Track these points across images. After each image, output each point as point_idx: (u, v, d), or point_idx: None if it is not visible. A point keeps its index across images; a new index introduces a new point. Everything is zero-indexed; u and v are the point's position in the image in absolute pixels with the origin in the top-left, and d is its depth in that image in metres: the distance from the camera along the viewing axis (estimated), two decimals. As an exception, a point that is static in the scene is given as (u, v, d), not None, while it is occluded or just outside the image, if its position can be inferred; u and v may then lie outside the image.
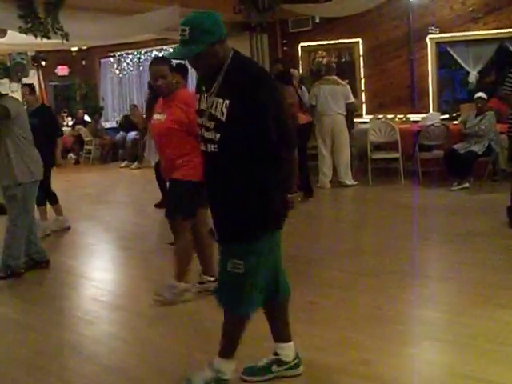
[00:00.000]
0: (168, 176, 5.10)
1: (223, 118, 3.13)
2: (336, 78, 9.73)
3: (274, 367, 3.61)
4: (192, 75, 8.01)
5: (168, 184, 5.23)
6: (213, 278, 4.92)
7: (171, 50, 3.38)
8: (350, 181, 9.70)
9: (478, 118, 8.98)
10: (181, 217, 4.92)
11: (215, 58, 3.13)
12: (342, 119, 9.65)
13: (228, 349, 3.45)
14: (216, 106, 3.16)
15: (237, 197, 3.21)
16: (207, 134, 3.24)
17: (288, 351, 3.62)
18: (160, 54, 15.60)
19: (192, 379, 3.49)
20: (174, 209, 4.98)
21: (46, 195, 7.41)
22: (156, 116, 5.03)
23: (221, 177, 3.26)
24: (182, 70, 5.85)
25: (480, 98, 9.09)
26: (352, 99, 9.80)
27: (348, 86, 9.79)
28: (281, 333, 3.65)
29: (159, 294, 4.94)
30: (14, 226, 5.76)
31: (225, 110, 3.12)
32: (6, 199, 5.83)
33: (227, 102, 3.12)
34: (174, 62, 5.03)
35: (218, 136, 3.17)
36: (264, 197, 3.22)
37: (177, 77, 5.34)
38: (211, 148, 3.22)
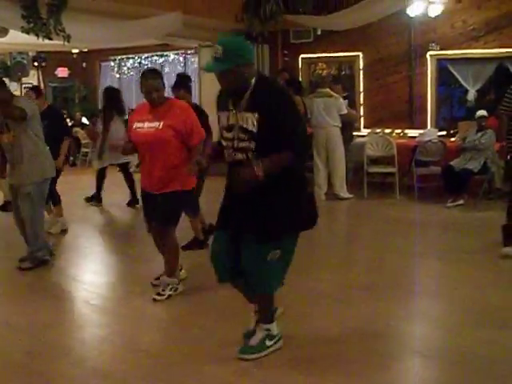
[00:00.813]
0: (157, 186, 5.01)
1: (254, 130, 3.68)
2: (329, 90, 9.73)
3: (267, 341, 4.04)
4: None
5: (160, 195, 5.01)
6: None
7: (206, 63, 3.94)
8: (345, 194, 9.71)
9: (479, 134, 8.99)
10: (174, 225, 5.16)
11: (240, 77, 3.67)
12: (336, 131, 9.64)
13: (269, 315, 4.08)
14: (247, 120, 3.69)
15: (272, 196, 3.74)
16: (242, 144, 3.75)
17: (275, 327, 4.11)
18: (160, 60, 15.69)
19: (249, 341, 4.04)
20: (169, 219, 5.11)
21: (50, 195, 7.40)
22: (145, 124, 4.95)
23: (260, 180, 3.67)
24: (187, 85, 6.47)
25: (482, 116, 9.10)
26: (344, 111, 9.70)
27: (340, 99, 9.75)
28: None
29: (161, 294, 5.13)
30: (32, 221, 6.04)
31: (255, 123, 3.66)
32: (21, 196, 6.01)
33: (256, 115, 3.66)
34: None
35: (254, 144, 3.70)
36: (295, 196, 3.84)
37: (186, 96, 6.05)
38: (251, 155, 3.72)
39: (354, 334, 4.40)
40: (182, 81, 6.84)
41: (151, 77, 4.94)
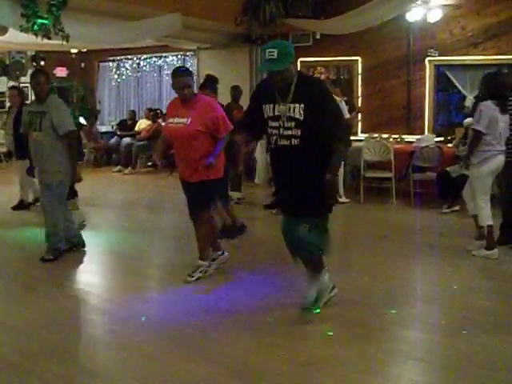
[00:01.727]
0: (189, 176, 5.48)
1: (301, 118, 4.33)
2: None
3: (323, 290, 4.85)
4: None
5: (191, 184, 5.51)
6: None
7: (260, 65, 4.42)
8: (342, 198, 9.70)
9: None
10: (205, 211, 5.63)
11: (290, 74, 4.34)
12: None
13: (320, 270, 4.85)
14: (294, 110, 4.35)
15: (314, 178, 4.36)
16: (287, 132, 4.39)
17: (326, 277, 4.92)
18: (159, 61, 15.68)
19: (307, 295, 4.79)
20: (201, 205, 5.58)
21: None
22: (175, 119, 5.40)
23: (301, 163, 4.40)
24: (212, 86, 7.03)
25: (471, 124, 9.08)
26: (347, 115, 9.70)
27: (343, 102, 9.72)
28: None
29: (192, 275, 5.57)
30: (53, 214, 6.37)
31: (302, 112, 4.32)
32: (45, 189, 6.36)
33: (302, 105, 4.33)
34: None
35: (299, 132, 4.35)
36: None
37: (211, 96, 6.28)
38: (294, 142, 4.39)
39: (347, 338, 4.40)
40: (208, 82, 7.39)
41: (183, 74, 5.37)
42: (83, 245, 6.89)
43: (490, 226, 6.51)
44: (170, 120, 5.49)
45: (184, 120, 5.33)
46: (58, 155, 6.25)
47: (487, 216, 6.52)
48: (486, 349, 4.19)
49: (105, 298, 5.43)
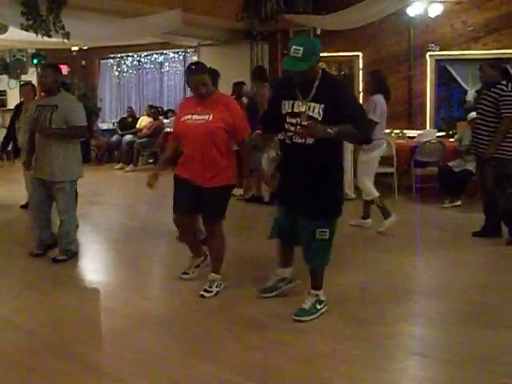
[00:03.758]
0: (204, 179, 5.08)
1: (319, 118, 4.25)
2: None
3: (318, 305, 4.69)
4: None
5: (207, 190, 5.08)
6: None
7: (286, 63, 4.39)
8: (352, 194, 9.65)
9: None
10: (222, 220, 5.28)
11: (313, 72, 4.33)
12: None
13: (320, 284, 4.76)
14: (314, 109, 4.28)
15: (326, 178, 4.43)
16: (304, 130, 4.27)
17: (322, 293, 4.77)
18: (160, 58, 15.68)
19: (303, 307, 4.65)
20: (220, 213, 5.24)
21: None
22: (194, 116, 5.08)
23: (314, 162, 4.38)
24: (213, 76, 6.40)
25: (475, 119, 9.09)
26: None
27: None
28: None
29: (209, 291, 5.19)
30: (69, 216, 6.25)
31: (321, 112, 4.26)
32: (57, 192, 6.13)
33: (322, 106, 4.27)
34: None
35: None
36: (341, 180, 4.76)
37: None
38: (309, 141, 4.31)
39: (350, 333, 4.40)
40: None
41: (198, 72, 5.09)
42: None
43: (379, 198, 7.56)
44: (187, 117, 5.13)
45: (205, 117, 5.03)
46: (70, 152, 6.12)
47: (372, 189, 7.64)
48: (490, 343, 4.19)
49: (108, 295, 5.43)
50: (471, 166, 8.82)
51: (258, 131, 4.74)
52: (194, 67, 5.20)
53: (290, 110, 4.42)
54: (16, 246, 6.79)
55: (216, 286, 5.22)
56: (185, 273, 5.61)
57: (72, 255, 6.35)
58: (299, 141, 4.38)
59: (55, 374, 3.83)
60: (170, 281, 5.63)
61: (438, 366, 3.94)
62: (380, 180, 10.06)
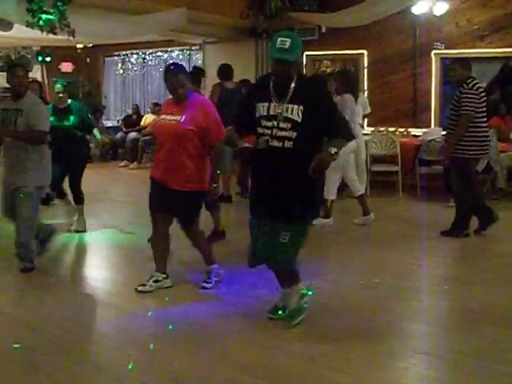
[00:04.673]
0: (175, 182, 5.02)
1: (299, 120, 4.07)
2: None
3: (302, 302, 4.55)
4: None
5: (177, 192, 5.04)
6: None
7: (275, 52, 4.08)
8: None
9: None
10: (193, 223, 5.28)
11: (294, 68, 4.12)
12: None
13: (295, 279, 4.53)
14: (292, 111, 4.08)
15: (303, 182, 4.13)
16: (282, 133, 4.10)
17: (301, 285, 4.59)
18: (165, 56, 15.67)
19: (286, 304, 4.53)
20: (190, 219, 5.25)
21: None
22: (168, 117, 5.02)
23: (292, 166, 4.12)
24: (197, 75, 6.29)
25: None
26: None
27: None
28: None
29: (208, 282, 5.33)
30: (32, 222, 5.81)
31: (300, 114, 4.06)
32: (23, 196, 5.71)
33: (302, 107, 4.07)
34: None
35: (295, 134, 4.07)
36: (321, 186, 4.49)
37: (193, 86, 5.81)
38: (287, 144, 4.10)
39: (355, 332, 4.40)
40: (192, 74, 7.14)
41: (176, 73, 5.00)
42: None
43: (331, 201, 7.76)
44: (162, 117, 5.11)
45: (177, 117, 4.96)
46: (37, 156, 5.76)
47: (359, 184, 7.92)
48: (494, 342, 4.18)
49: (112, 292, 5.44)
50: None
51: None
52: (172, 67, 5.13)
53: (265, 113, 4.18)
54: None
55: (215, 276, 5.39)
56: (142, 284, 5.27)
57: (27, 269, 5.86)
58: (276, 144, 4.12)
59: (59, 371, 3.84)
60: (174, 277, 5.62)
61: (442, 364, 3.93)
62: (385, 179, 10.11)
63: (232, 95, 8.46)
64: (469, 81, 6.76)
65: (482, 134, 6.81)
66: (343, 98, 7.55)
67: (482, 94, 6.79)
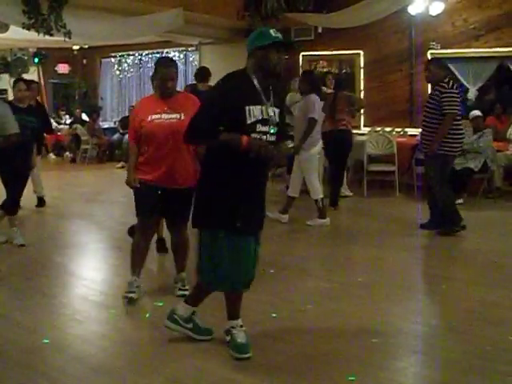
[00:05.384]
0: (179, 181, 4.93)
1: (279, 123, 3.88)
2: (325, 89, 9.70)
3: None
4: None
5: (179, 191, 4.95)
6: None
7: (274, 33, 3.84)
8: (346, 191, 9.69)
9: (476, 136, 9.01)
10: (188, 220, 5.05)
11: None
12: None
13: (190, 300, 4.22)
14: (275, 114, 3.85)
15: (205, 186, 3.91)
16: (272, 138, 3.86)
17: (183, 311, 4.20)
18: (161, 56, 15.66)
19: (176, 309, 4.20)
20: (189, 214, 4.89)
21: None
22: (163, 115, 4.83)
23: (267, 172, 4.14)
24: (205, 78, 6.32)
25: (478, 117, 9.15)
26: None
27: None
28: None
29: (185, 289, 5.11)
30: None
31: (278, 116, 3.87)
32: None
33: (278, 110, 3.89)
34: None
35: (275, 138, 3.88)
36: (219, 191, 3.91)
37: (203, 83, 5.70)
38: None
39: (353, 332, 4.41)
40: (206, 74, 7.74)
41: (168, 65, 4.87)
42: None
43: (322, 199, 7.76)
44: (155, 116, 4.83)
45: (176, 115, 4.80)
46: None
47: (319, 187, 7.80)
48: (492, 342, 4.18)
49: (109, 294, 5.43)
50: (473, 164, 8.84)
51: None
52: (164, 60, 5.04)
53: (260, 117, 3.76)
54: (13, 247, 6.79)
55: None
56: (130, 292, 5.09)
57: None
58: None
59: (56, 373, 3.83)
60: (171, 278, 5.62)
61: (441, 364, 3.93)
62: (381, 178, 10.12)
63: (200, 97, 8.44)
64: (446, 80, 6.88)
65: (459, 132, 7.04)
66: (309, 98, 7.54)
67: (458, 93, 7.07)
